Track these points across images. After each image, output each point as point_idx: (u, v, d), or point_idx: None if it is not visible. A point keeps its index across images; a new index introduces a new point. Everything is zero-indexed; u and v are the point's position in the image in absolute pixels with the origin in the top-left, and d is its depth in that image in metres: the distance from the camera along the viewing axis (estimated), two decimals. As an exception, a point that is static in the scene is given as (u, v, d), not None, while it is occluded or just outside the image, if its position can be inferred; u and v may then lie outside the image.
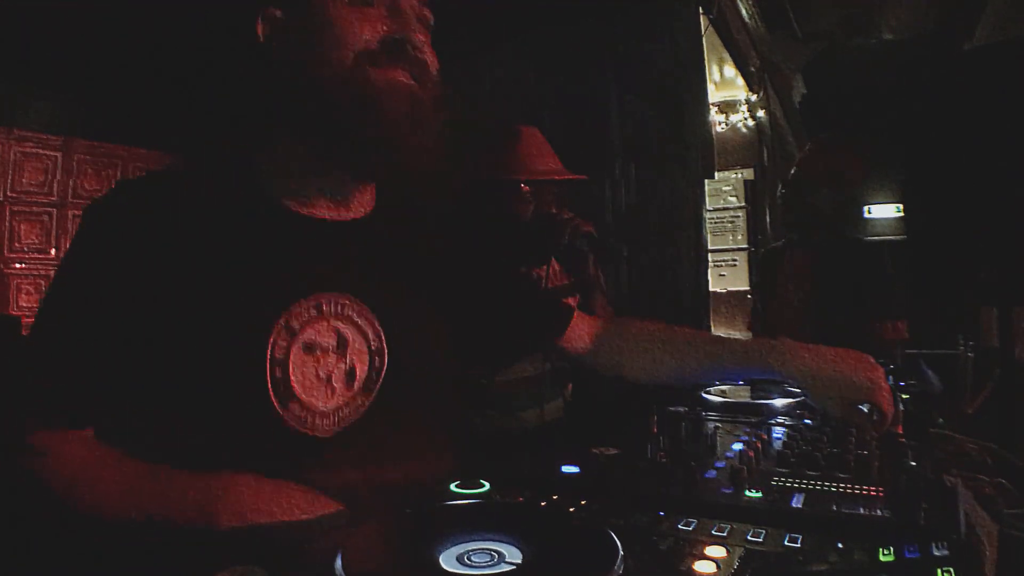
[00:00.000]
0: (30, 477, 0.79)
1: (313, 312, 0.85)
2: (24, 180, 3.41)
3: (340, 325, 0.87)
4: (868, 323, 2.04)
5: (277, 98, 0.91)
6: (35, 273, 3.47)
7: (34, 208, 3.46)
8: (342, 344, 0.87)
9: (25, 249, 3.43)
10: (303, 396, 0.83)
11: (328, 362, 0.85)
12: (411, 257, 0.99)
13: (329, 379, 0.85)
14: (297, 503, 0.74)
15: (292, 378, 0.82)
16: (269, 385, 0.81)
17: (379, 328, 0.90)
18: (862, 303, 2.07)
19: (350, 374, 0.87)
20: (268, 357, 0.81)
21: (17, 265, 3.41)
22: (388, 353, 0.90)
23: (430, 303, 0.99)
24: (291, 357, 0.83)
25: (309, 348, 0.84)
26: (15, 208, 3.38)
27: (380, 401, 0.89)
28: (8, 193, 3.35)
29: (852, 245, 2.23)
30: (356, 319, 0.89)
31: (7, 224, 3.36)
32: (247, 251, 0.85)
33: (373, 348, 0.89)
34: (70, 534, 0.78)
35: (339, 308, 0.88)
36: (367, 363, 0.89)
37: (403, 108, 0.86)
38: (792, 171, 2.36)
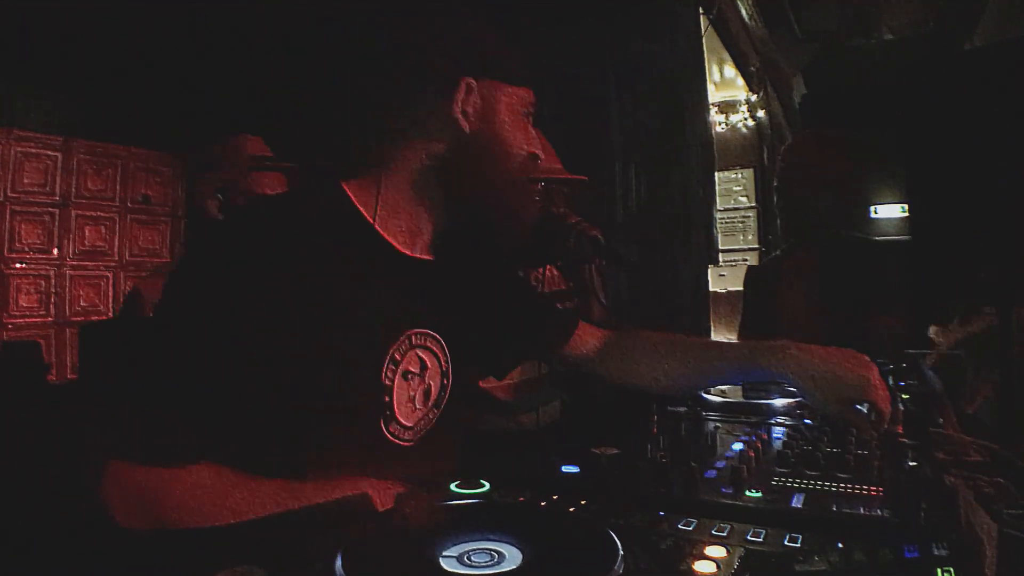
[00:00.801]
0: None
1: (407, 344, 0.97)
2: (24, 180, 3.40)
3: (423, 354, 1.00)
4: (868, 318, 2.03)
5: (442, 158, 0.97)
6: (35, 273, 3.47)
7: (34, 208, 3.45)
8: (423, 369, 1.00)
9: (25, 249, 3.43)
10: (400, 416, 0.96)
11: (414, 385, 0.98)
12: (464, 290, 1.10)
13: (413, 399, 0.98)
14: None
15: (395, 402, 0.95)
16: (378, 409, 0.93)
17: (447, 352, 1.03)
18: (863, 299, 2.06)
19: (427, 393, 1.00)
20: (381, 386, 0.93)
21: (17, 265, 3.40)
22: (452, 373, 1.04)
23: (472, 327, 1.10)
24: (395, 384, 0.95)
25: (406, 375, 0.97)
26: (15, 208, 3.38)
27: (444, 413, 1.03)
28: (8, 193, 3.35)
29: (850, 242, 2.22)
30: (433, 347, 1.01)
31: (7, 224, 3.35)
32: (358, 286, 0.92)
33: (443, 370, 1.03)
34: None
35: (423, 340, 1.00)
36: (439, 383, 1.02)
37: (530, 206, 1.10)
38: (776, 176, 2.35)
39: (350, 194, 0.97)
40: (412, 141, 0.97)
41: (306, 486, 0.83)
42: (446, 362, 1.03)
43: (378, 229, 0.96)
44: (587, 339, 1.23)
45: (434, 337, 1.01)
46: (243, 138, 1.89)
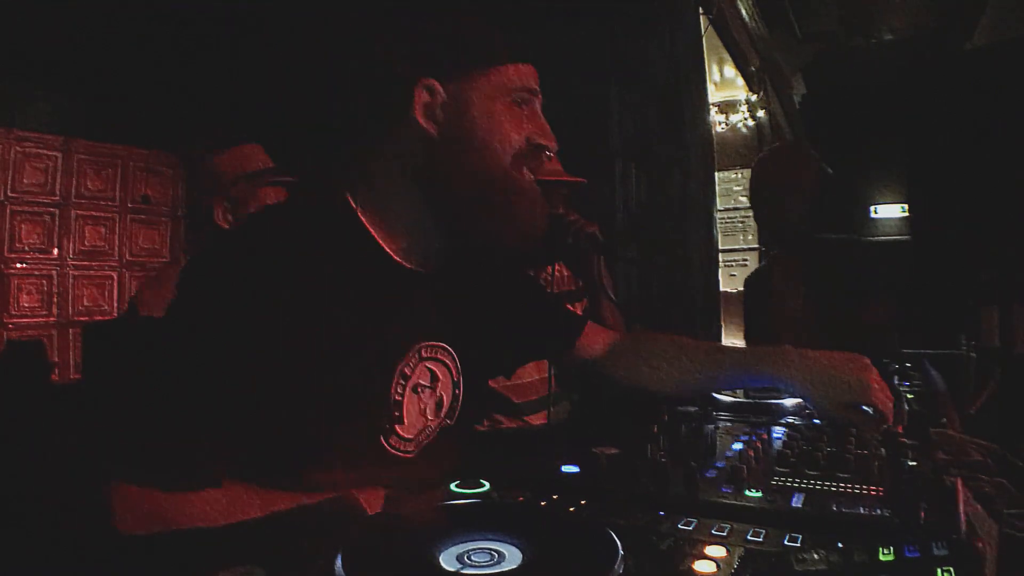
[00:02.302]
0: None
1: (416, 358, 0.96)
2: (24, 180, 3.40)
3: (433, 366, 0.98)
4: (854, 311, 2.04)
5: (415, 165, 0.93)
6: (36, 273, 3.47)
7: (35, 208, 3.45)
8: (434, 380, 0.98)
9: (26, 249, 3.43)
10: (401, 430, 0.93)
11: (425, 397, 0.97)
12: (473, 299, 1.08)
13: (424, 411, 0.97)
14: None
15: (405, 416, 0.93)
16: (388, 425, 0.91)
17: (459, 363, 1.02)
18: (849, 297, 2.07)
19: (439, 404, 0.99)
20: (391, 401, 0.91)
21: (18, 265, 3.40)
22: (464, 383, 1.02)
23: (483, 335, 1.07)
24: (405, 399, 0.93)
25: (416, 389, 0.95)
26: (15, 208, 3.38)
27: (454, 423, 1.01)
28: (8, 193, 3.35)
29: (829, 244, 2.23)
30: (444, 359, 1.00)
31: (7, 224, 3.35)
32: (364, 301, 0.90)
33: (455, 380, 1.01)
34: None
35: (433, 352, 0.98)
36: (451, 394, 1.01)
37: (534, 206, 0.96)
38: (749, 190, 2.36)
39: (355, 208, 0.94)
40: (388, 153, 0.94)
41: (296, 496, 0.81)
42: (457, 372, 1.01)
43: (378, 241, 0.94)
44: (595, 341, 1.22)
45: (444, 348, 0.99)
46: (248, 148, 1.89)
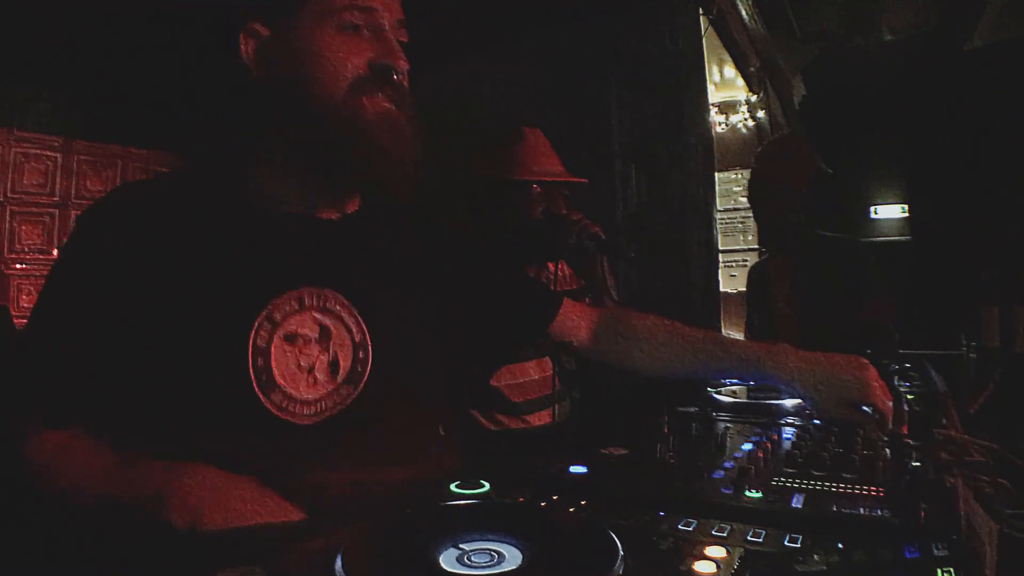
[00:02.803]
0: (11, 469, 0.82)
1: (295, 304, 0.88)
2: (24, 181, 3.41)
3: (322, 317, 0.89)
4: (851, 311, 2.04)
5: (261, 111, 0.92)
6: (36, 274, 3.47)
7: (35, 209, 3.46)
8: (325, 335, 0.89)
9: (26, 250, 3.43)
10: (284, 384, 0.85)
11: (310, 352, 0.88)
12: (394, 255, 1.01)
13: (312, 369, 0.88)
14: (252, 507, 0.74)
15: (274, 367, 0.85)
16: (251, 373, 0.83)
17: (361, 322, 0.92)
18: (845, 294, 2.07)
19: (333, 365, 0.89)
20: (251, 346, 0.84)
21: (18, 266, 3.41)
22: (372, 346, 0.92)
23: (414, 300, 1.01)
24: (273, 347, 0.85)
25: (291, 338, 0.87)
26: (15, 208, 3.38)
27: (366, 393, 0.91)
28: (8, 194, 3.35)
29: (824, 242, 2.23)
30: (339, 312, 0.91)
31: (7, 225, 3.36)
32: (233, 247, 0.88)
33: (356, 341, 0.91)
34: (43, 519, 0.81)
35: (321, 301, 0.90)
36: (351, 355, 0.91)
37: (389, 135, 0.89)
38: (747, 188, 2.36)
39: (240, 168, 0.95)
40: (249, 107, 0.92)
41: (153, 464, 0.77)
42: (360, 332, 0.91)
43: (251, 194, 0.93)
44: (580, 320, 1.18)
45: (338, 299, 0.91)
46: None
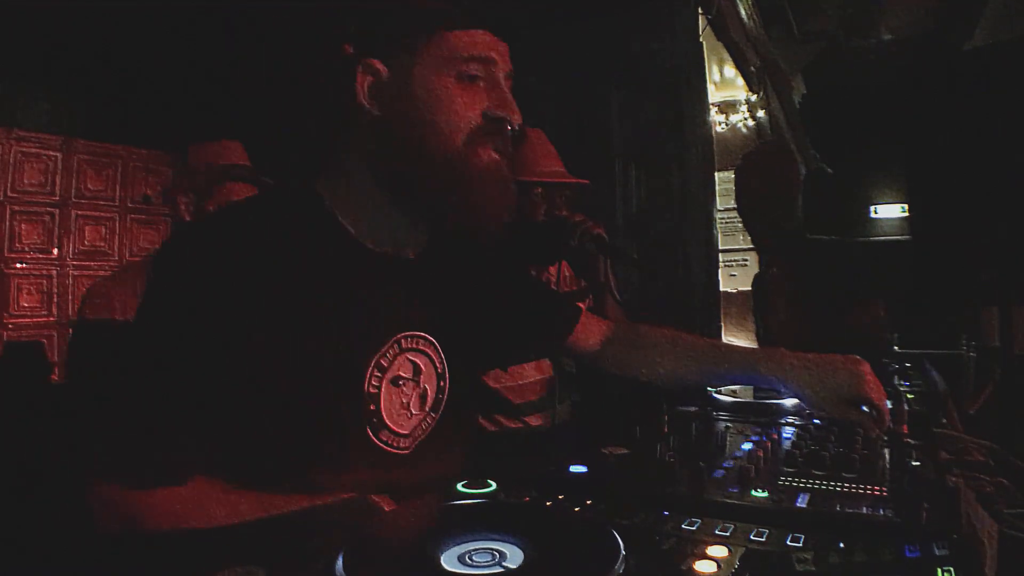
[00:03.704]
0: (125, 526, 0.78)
1: (396, 349, 0.93)
2: (25, 180, 3.40)
3: (415, 357, 0.95)
4: (845, 314, 2.04)
5: (368, 149, 0.91)
6: (36, 273, 3.47)
7: (35, 208, 3.45)
8: (416, 373, 0.95)
9: (26, 249, 3.43)
10: (390, 423, 0.91)
11: (407, 391, 0.94)
12: (463, 290, 1.05)
13: (408, 405, 0.94)
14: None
15: (383, 410, 0.90)
16: (364, 418, 0.88)
17: (442, 355, 0.98)
18: (842, 295, 2.07)
19: (423, 397, 0.95)
20: (365, 394, 0.88)
21: (18, 265, 3.40)
22: (449, 376, 0.99)
23: (471, 326, 1.05)
24: (382, 392, 0.90)
25: (395, 381, 0.92)
26: (15, 208, 3.38)
27: (444, 419, 0.98)
28: (8, 193, 3.35)
29: (818, 245, 2.22)
30: (426, 350, 0.97)
31: (8, 224, 3.35)
32: (336, 291, 0.88)
33: (439, 372, 0.98)
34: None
35: (415, 343, 0.95)
36: (435, 386, 0.98)
37: (496, 186, 0.91)
38: (735, 200, 2.35)
39: (325, 199, 0.93)
40: (346, 141, 0.92)
41: (291, 499, 0.81)
42: (441, 364, 0.98)
43: (348, 230, 0.92)
44: (592, 331, 1.22)
45: (426, 339, 0.96)
46: (225, 144, 1.89)
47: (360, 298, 0.90)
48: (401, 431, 0.92)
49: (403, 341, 0.93)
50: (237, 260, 0.82)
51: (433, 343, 0.97)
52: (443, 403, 0.98)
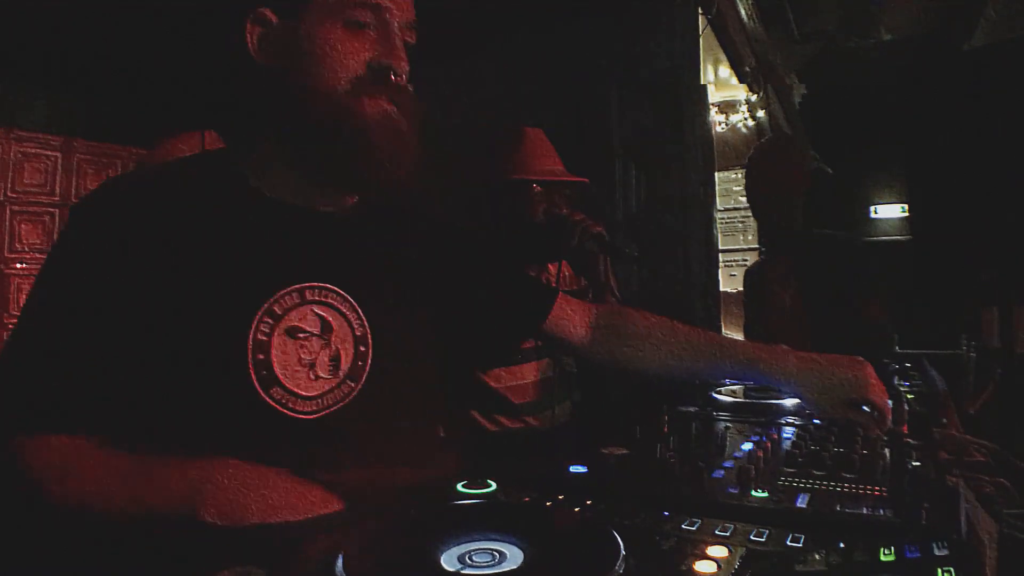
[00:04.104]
0: (8, 476, 0.78)
1: (296, 298, 0.87)
2: (25, 180, 3.40)
3: (323, 312, 0.89)
4: (850, 311, 2.04)
5: (262, 103, 0.91)
6: (36, 272, 3.48)
7: (35, 208, 3.45)
8: (326, 330, 0.88)
9: (26, 249, 3.43)
10: (285, 380, 0.84)
11: (311, 347, 0.87)
12: (393, 252, 1.01)
13: (313, 364, 0.87)
14: (285, 499, 0.73)
15: (274, 362, 0.84)
16: (251, 368, 0.82)
17: (363, 316, 0.92)
18: (845, 293, 2.07)
19: (335, 360, 0.88)
20: (251, 340, 0.83)
21: (18, 265, 3.41)
22: (373, 341, 0.92)
23: (413, 297, 1.00)
24: (273, 341, 0.84)
25: (292, 333, 0.86)
26: (15, 208, 3.38)
27: (367, 389, 0.90)
28: (8, 193, 3.35)
29: (826, 241, 2.23)
30: (339, 307, 0.90)
31: (7, 224, 3.35)
32: (233, 240, 0.87)
33: (358, 335, 0.91)
34: (52, 531, 0.78)
35: (322, 296, 0.89)
36: (352, 350, 0.90)
37: (387, 137, 0.88)
38: (746, 192, 2.36)
39: (233, 157, 0.93)
40: (246, 97, 0.91)
41: (169, 460, 0.76)
42: (361, 327, 0.91)
43: (254, 185, 0.91)
44: (575, 316, 1.16)
45: (337, 294, 0.90)
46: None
47: (258, 247, 0.87)
48: (300, 392, 0.85)
49: (306, 292, 0.88)
50: (142, 213, 0.84)
51: (348, 300, 0.91)
52: (364, 371, 0.91)
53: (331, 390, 0.88)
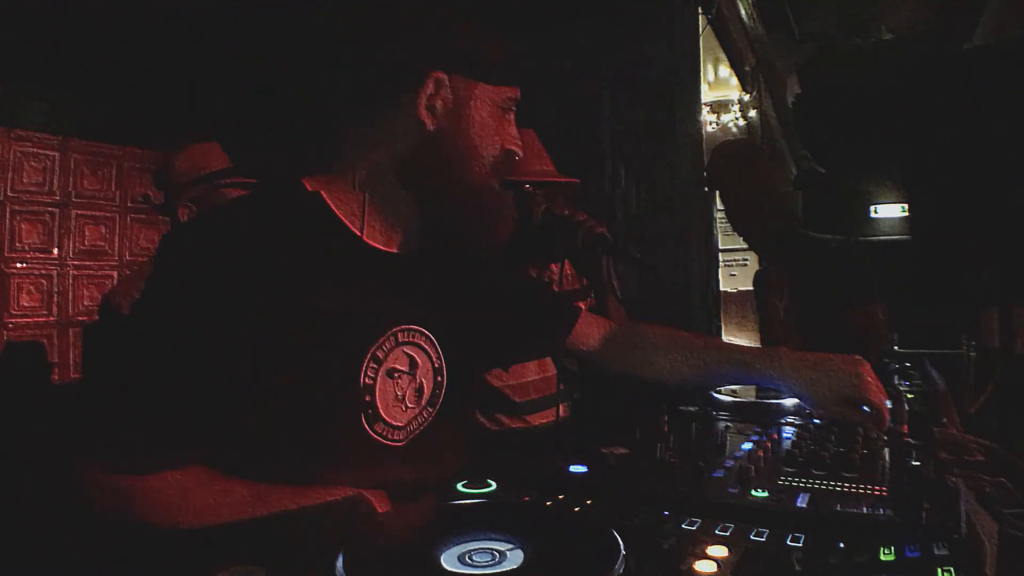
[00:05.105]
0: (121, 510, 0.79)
1: (392, 342, 0.94)
2: (24, 180, 3.40)
3: (411, 351, 0.97)
4: (845, 314, 2.04)
5: (401, 154, 0.93)
6: (36, 273, 3.46)
7: (35, 208, 3.45)
8: (413, 366, 0.96)
9: (26, 249, 3.43)
10: (385, 415, 0.92)
11: (403, 384, 0.95)
12: (454, 286, 1.06)
13: (403, 398, 0.95)
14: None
15: (378, 401, 0.91)
16: (360, 411, 0.89)
17: (439, 349, 1.00)
18: (840, 294, 2.07)
19: (419, 391, 0.97)
20: (361, 385, 0.89)
21: (18, 265, 3.40)
22: (448, 371, 1.00)
23: (470, 324, 1.06)
24: (377, 383, 0.91)
25: (390, 373, 0.93)
26: (15, 208, 3.38)
27: (441, 412, 0.99)
28: (8, 193, 3.35)
29: (817, 245, 2.22)
30: (423, 344, 0.98)
31: (7, 224, 3.35)
32: (335, 284, 0.90)
33: (436, 367, 1.00)
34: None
35: (411, 336, 0.97)
36: (431, 381, 0.99)
37: (503, 213, 0.99)
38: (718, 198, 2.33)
39: (323, 194, 0.93)
40: (374, 140, 0.93)
41: (284, 490, 0.82)
42: (438, 359, 1.00)
43: (349, 226, 0.93)
44: (592, 330, 1.22)
45: (422, 333, 0.98)
46: (204, 147, 1.92)
47: (358, 291, 0.91)
48: (395, 423, 0.93)
49: (400, 334, 0.95)
50: (235, 256, 0.84)
51: (429, 337, 0.98)
52: (440, 398, 0.99)
53: (415, 417, 0.96)
